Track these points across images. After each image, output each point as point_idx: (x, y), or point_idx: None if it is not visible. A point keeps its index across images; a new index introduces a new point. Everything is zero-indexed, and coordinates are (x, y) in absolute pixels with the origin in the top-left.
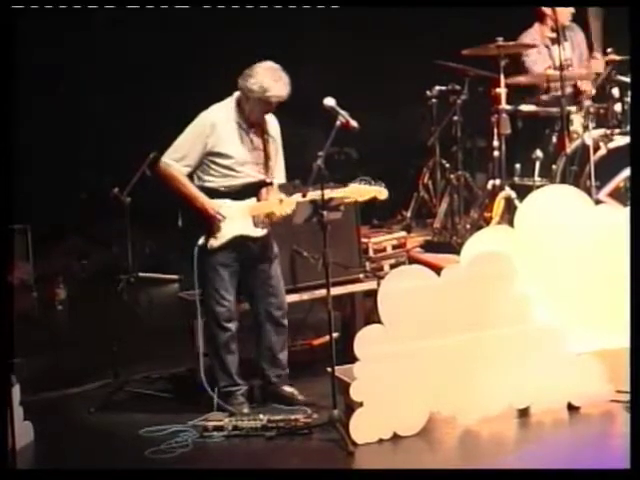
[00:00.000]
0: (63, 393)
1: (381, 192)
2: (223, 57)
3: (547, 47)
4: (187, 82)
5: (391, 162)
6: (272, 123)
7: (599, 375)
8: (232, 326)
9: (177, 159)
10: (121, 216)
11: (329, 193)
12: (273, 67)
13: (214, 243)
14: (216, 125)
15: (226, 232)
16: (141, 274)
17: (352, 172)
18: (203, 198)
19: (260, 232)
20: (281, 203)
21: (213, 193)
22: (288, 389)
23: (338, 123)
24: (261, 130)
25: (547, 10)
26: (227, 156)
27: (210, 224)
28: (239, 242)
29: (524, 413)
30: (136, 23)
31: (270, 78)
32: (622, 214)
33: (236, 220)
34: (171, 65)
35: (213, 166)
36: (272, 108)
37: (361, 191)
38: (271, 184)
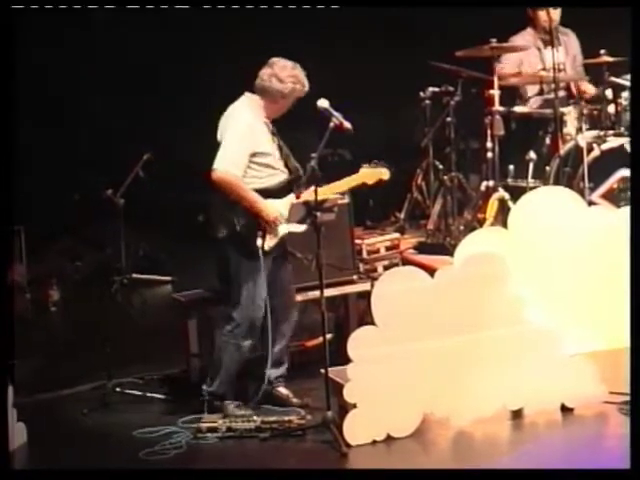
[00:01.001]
0: (57, 394)
1: (384, 173)
2: (221, 58)
3: (538, 50)
4: (184, 83)
5: (386, 165)
6: None
7: (593, 376)
8: (259, 330)
9: (232, 164)
10: (115, 217)
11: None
12: (294, 63)
13: (271, 243)
14: (253, 125)
15: (279, 231)
16: (135, 275)
17: (345, 174)
18: (263, 200)
19: (303, 227)
20: (316, 193)
21: (260, 194)
22: (284, 391)
23: (332, 125)
24: (272, 127)
25: (539, 13)
26: (267, 154)
27: (268, 225)
28: (281, 242)
29: (518, 414)
30: (134, 24)
31: (299, 73)
32: (616, 215)
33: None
34: (168, 66)
35: (256, 167)
36: (292, 104)
37: (371, 174)
38: (300, 177)
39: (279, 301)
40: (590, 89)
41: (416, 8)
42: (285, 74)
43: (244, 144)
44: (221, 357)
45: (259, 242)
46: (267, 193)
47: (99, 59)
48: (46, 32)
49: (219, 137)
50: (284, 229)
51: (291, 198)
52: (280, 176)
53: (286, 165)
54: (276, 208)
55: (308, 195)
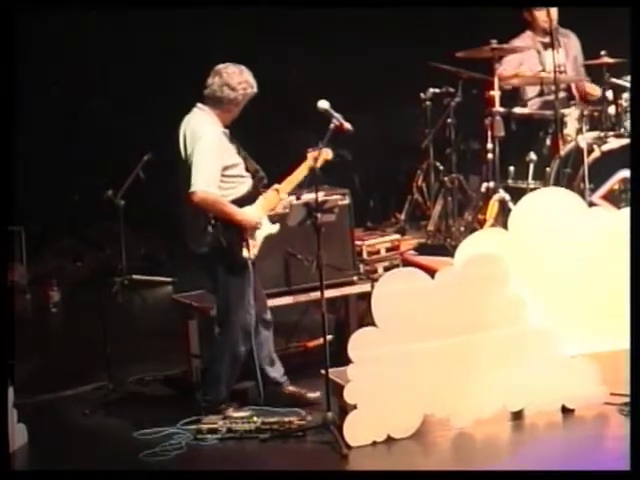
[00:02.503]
0: (57, 395)
1: (327, 153)
2: (221, 58)
3: (538, 52)
4: (184, 84)
5: (385, 164)
6: None
7: (593, 378)
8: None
9: (208, 184)
10: (115, 218)
11: None
12: (236, 65)
13: (255, 251)
14: (220, 138)
15: (259, 237)
16: (135, 276)
17: (346, 174)
18: (242, 211)
19: (277, 227)
20: (278, 192)
21: (235, 204)
22: (296, 389)
23: (332, 126)
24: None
25: (538, 15)
26: (235, 165)
27: (249, 234)
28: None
29: (518, 415)
30: (134, 24)
31: (247, 75)
32: (616, 216)
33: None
34: (168, 67)
35: (228, 179)
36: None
37: (316, 157)
38: (262, 179)
39: (259, 305)
40: (595, 90)
41: (416, 9)
42: (236, 81)
43: (215, 160)
44: (216, 365)
45: (245, 253)
46: (241, 202)
47: (99, 60)
48: (46, 32)
49: (183, 155)
50: (262, 233)
51: (260, 201)
52: (248, 182)
53: (247, 169)
54: (255, 214)
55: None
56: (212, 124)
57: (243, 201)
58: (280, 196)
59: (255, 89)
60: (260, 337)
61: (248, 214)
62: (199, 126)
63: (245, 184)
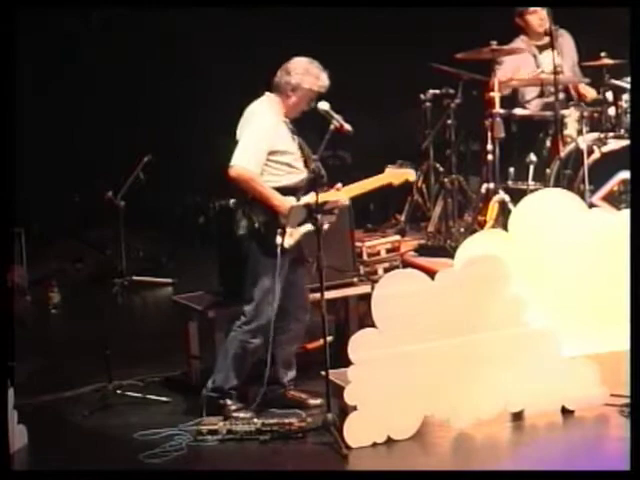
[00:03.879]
0: (57, 396)
1: (411, 174)
2: (221, 59)
3: (534, 56)
4: (185, 85)
5: (385, 166)
6: None
7: (593, 378)
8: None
9: (249, 161)
10: (115, 220)
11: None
12: (311, 60)
13: (291, 241)
14: (272, 124)
15: (299, 230)
16: (135, 278)
17: (346, 175)
18: (281, 197)
19: (325, 227)
20: (338, 191)
21: (279, 192)
22: (299, 394)
23: (332, 127)
24: (292, 126)
25: (531, 19)
26: (287, 152)
27: (288, 222)
28: (299, 241)
29: (518, 417)
30: (135, 24)
31: (316, 70)
32: (616, 218)
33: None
34: (169, 67)
35: (275, 165)
36: (314, 100)
37: (397, 175)
38: (323, 177)
39: (293, 303)
40: (590, 92)
41: (417, 9)
42: (294, 66)
43: (262, 142)
44: (228, 352)
45: (278, 240)
46: (286, 191)
47: (100, 60)
48: (46, 32)
49: (238, 136)
50: (304, 227)
51: (311, 197)
52: (299, 175)
53: (306, 165)
54: (296, 205)
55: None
56: (270, 109)
57: (289, 191)
58: (344, 195)
59: (321, 82)
60: (287, 335)
61: (286, 201)
62: (256, 109)
63: (295, 175)
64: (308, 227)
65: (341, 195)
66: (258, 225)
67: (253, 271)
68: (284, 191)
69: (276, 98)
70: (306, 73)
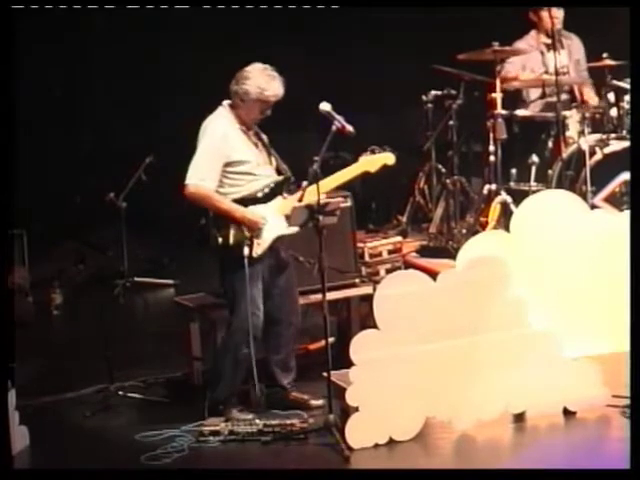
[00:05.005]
0: (59, 398)
1: (389, 157)
2: (221, 59)
3: (542, 53)
4: (187, 86)
5: (387, 167)
6: None
7: (595, 380)
8: (259, 336)
9: (203, 178)
10: (117, 221)
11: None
12: (265, 67)
13: (258, 250)
14: (226, 135)
15: (267, 237)
16: (137, 279)
17: None
18: (242, 208)
19: (295, 229)
20: (305, 193)
21: (241, 203)
22: (300, 395)
23: (334, 128)
24: (255, 131)
25: (544, 16)
26: (245, 162)
27: (252, 232)
28: (272, 247)
29: (520, 418)
30: (135, 25)
31: (265, 78)
32: (618, 219)
33: (271, 223)
34: (171, 68)
35: (234, 176)
36: (269, 108)
37: (372, 162)
38: (289, 179)
39: (282, 307)
40: (593, 98)
41: (418, 10)
42: (244, 75)
43: (215, 156)
44: (220, 364)
45: (245, 251)
46: (249, 200)
47: (101, 61)
48: (47, 33)
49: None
50: (272, 234)
51: (278, 201)
52: (262, 181)
53: (277, 169)
54: (257, 214)
55: (310, 196)
56: (223, 120)
57: (253, 199)
58: (311, 197)
59: (268, 92)
60: (279, 340)
61: (248, 212)
62: (210, 122)
63: (257, 182)
64: (277, 233)
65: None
66: (223, 239)
67: (229, 283)
68: (247, 200)
69: (232, 107)
70: (254, 83)
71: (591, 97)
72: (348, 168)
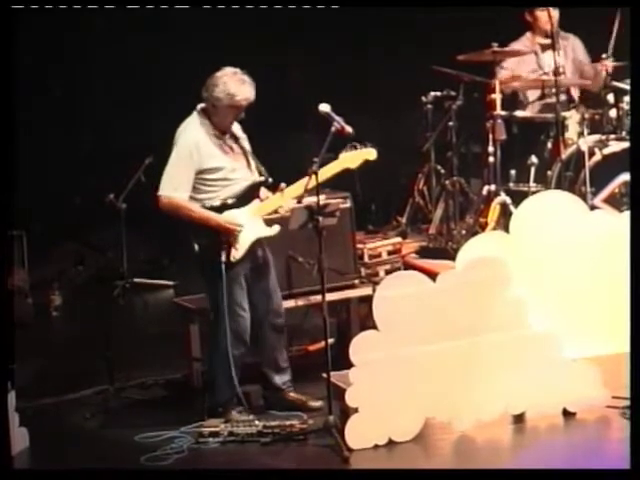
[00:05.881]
0: (59, 399)
1: (370, 153)
2: (222, 59)
3: (535, 54)
4: (187, 86)
5: (386, 168)
6: (235, 124)
7: (595, 381)
8: (247, 338)
9: (175, 188)
10: (117, 222)
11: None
12: (235, 71)
13: (236, 254)
14: (198, 143)
15: (244, 240)
16: (136, 280)
17: (347, 177)
18: (216, 216)
19: (275, 230)
20: (283, 194)
21: (217, 210)
22: (298, 396)
23: (333, 129)
24: (232, 134)
25: (540, 16)
26: (217, 169)
27: (229, 237)
28: (252, 249)
29: (519, 419)
30: (136, 25)
31: (235, 83)
32: (618, 220)
33: (249, 226)
34: (171, 68)
35: (207, 183)
36: (242, 112)
37: (352, 158)
38: (266, 181)
39: (264, 309)
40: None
41: (418, 10)
42: (213, 81)
43: (186, 165)
44: (213, 367)
45: (223, 257)
46: (226, 206)
47: (101, 61)
48: (47, 33)
49: None
50: (250, 237)
51: (255, 204)
52: (238, 185)
53: (258, 170)
54: (231, 219)
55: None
56: (198, 127)
57: (230, 204)
58: (284, 199)
59: (238, 97)
60: (266, 341)
61: (222, 218)
62: (182, 130)
63: (233, 187)
64: (254, 236)
65: (288, 198)
66: (199, 247)
67: (210, 288)
68: (226, 206)
69: (205, 113)
70: (224, 89)
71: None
72: (328, 165)
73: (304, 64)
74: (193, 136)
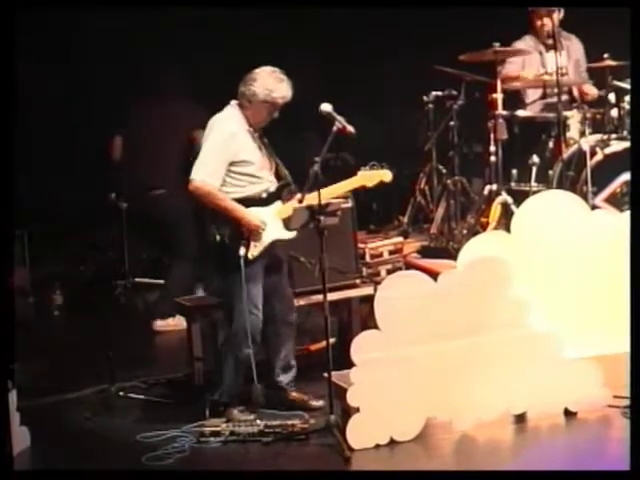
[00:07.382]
0: (60, 398)
1: (386, 175)
2: (223, 59)
3: (540, 53)
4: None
5: (387, 167)
6: None
7: (596, 380)
8: (259, 337)
9: (209, 174)
10: (118, 222)
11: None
12: (273, 69)
13: (255, 252)
14: (235, 134)
15: (264, 239)
16: (138, 279)
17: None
18: (242, 209)
19: (293, 234)
20: (319, 197)
21: (241, 203)
22: (300, 395)
23: (335, 129)
24: (262, 134)
25: (541, 17)
26: (249, 163)
27: (250, 233)
28: (269, 249)
29: (521, 418)
30: (136, 24)
31: (273, 80)
32: (619, 219)
33: (270, 226)
34: (171, 68)
35: (236, 176)
36: (276, 110)
37: (370, 177)
38: (289, 184)
39: (277, 307)
40: (592, 90)
41: (419, 11)
42: (252, 77)
43: (221, 153)
44: (221, 367)
45: (242, 251)
46: (250, 202)
47: (102, 61)
48: (47, 32)
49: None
50: (270, 237)
51: (277, 205)
52: (263, 184)
53: (276, 173)
54: (257, 216)
55: (311, 199)
56: (233, 120)
57: (253, 201)
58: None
59: (275, 94)
60: (278, 339)
61: (249, 213)
62: (218, 120)
63: (258, 185)
64: (274, 237)
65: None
66: (219, 238)
67: (225, 283)
68: (249, 201)
69: (241, 108)
70: (262, 85)
71: (590, 89)
72: (347, 181)
73: (305, 64)
74: (230, 126)
